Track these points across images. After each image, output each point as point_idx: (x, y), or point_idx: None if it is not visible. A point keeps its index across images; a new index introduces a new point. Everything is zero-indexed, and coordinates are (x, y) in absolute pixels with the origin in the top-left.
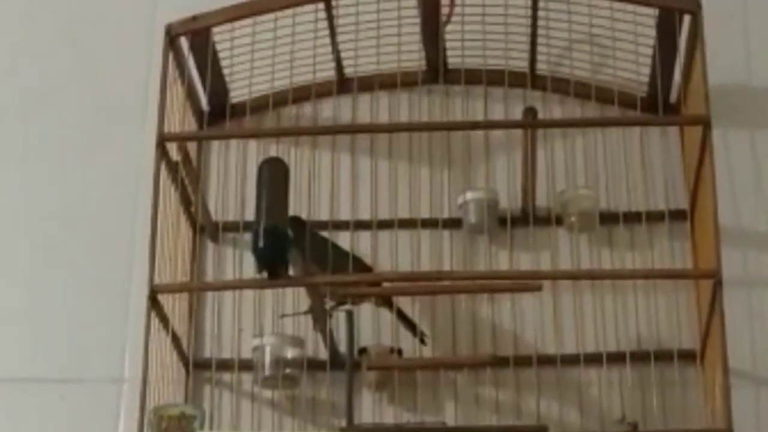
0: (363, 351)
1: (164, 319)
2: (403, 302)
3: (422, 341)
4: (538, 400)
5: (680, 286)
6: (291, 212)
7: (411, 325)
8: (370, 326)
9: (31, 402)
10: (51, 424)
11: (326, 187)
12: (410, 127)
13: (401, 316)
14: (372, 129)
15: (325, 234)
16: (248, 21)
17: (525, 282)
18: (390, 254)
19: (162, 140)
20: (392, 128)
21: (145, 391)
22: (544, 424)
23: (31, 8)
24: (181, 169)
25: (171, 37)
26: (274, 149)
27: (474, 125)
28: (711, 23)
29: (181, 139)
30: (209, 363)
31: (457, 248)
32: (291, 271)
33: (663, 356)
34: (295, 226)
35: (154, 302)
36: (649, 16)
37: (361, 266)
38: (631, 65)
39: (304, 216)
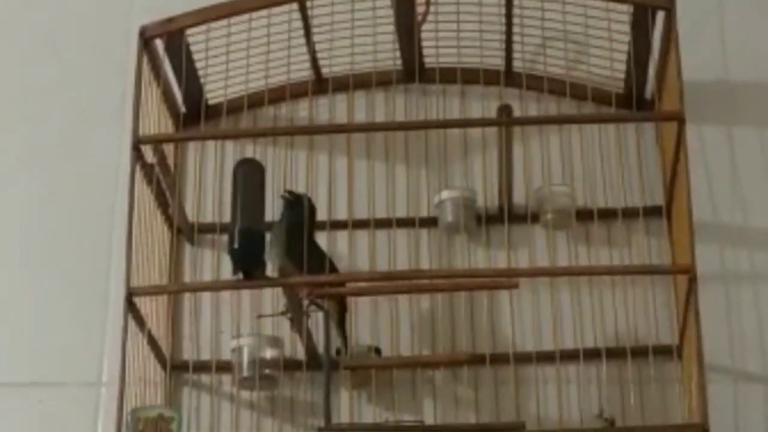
0: (341, 350)
1: (142, 322)
2: (382, 301)
3: (337, 352)
4: (517, 397)
5: (657, 282)
6: (268, 213)
7: (343, 336)
8: (348, 326)
9: (8, 406)
10: (29, 428)
11: (303, 187)
12: (386, 127)
13: (341, 322)
14: (348, 129)
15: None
16: (223, 22)
17: (502, 279)
18: (367, 254)
19: (137, 142)
20: (368, 128)
21: (123, 394)
22: (522, 421)
23: (8, 13)
24: (157, 171)
25: (145, 39)
26: (250, 150)
27: (449, 124)
28: (685, 19)
29: (157, 141)
30: (188, 365)
31: (434, 247)
32: (269, 270)
33: (640, 352)
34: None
35: (131, 305)
36: (623, 12)
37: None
38: (606, 62)
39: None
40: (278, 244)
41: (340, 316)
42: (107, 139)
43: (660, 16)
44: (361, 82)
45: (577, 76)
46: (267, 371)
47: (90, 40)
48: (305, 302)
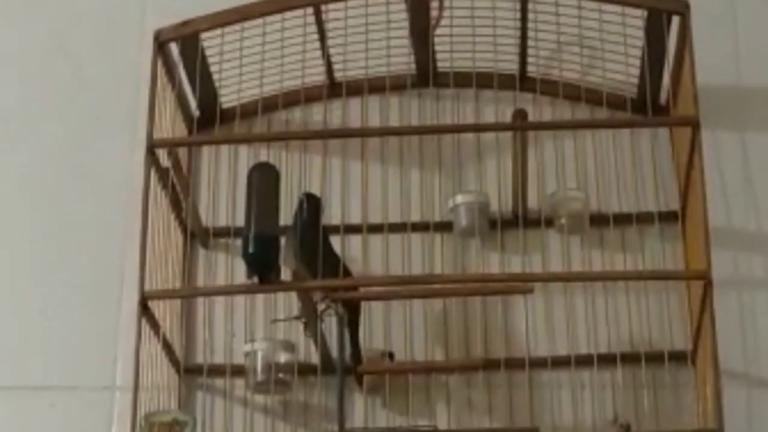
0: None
1: (155, 326)
2: (395, 305)
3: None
4: (531, 403)
5: (671, 288)
6: (282, 217)
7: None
8: (362, 330)
9: (22, 410)
10: None
11: (316, 191)
12: (400, 131)
13: (354, 330)
14: (362, 133)
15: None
16: (237, 26)
17: (516, 284)
18: (381, 258)
19: (151, 146)
20: (382, 132)
21: (136, 398)
22: (536, 426)
23: (21, 16)
24: (171, 175)
25: (160, 43)
26: (264, 154)
27: (464, 128)
28: (700, 24)
29: (171, 144)
30: (201, 369)
31: (448, 251)
32: (283, 270)
33: (655, 357)
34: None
35: (144, 309)
36: (637, 17)
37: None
38: (620, 67)
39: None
40: (292, 248)
41: (350, 320)
42: (120, 143)
43: (674, 20)
44: (375, 86)
45: (592, 81)
46: (281, 375)
47: (102, 43)
48: (320, 306)
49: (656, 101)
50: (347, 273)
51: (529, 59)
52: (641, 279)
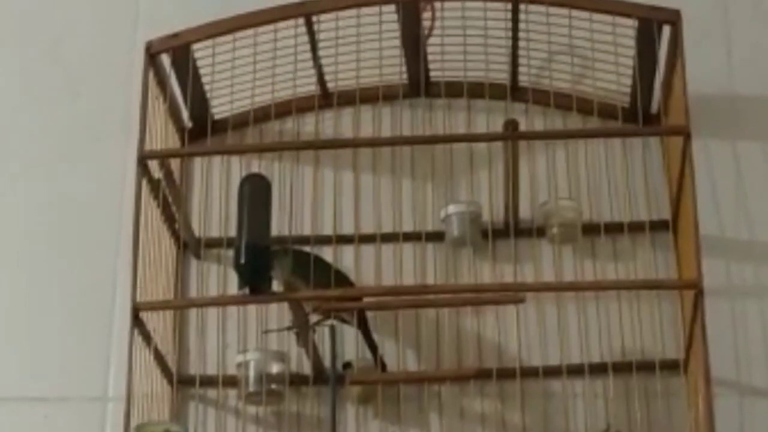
0: (347, 365)
1: (147, 337)
2: (387, 316)
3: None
4: (523, 412)
5: (663, 297)
6: (274, 227)
7: (373, 347)
8: (354, 340)
9: (14, 421)
10: None
11: (309, 201)
12: (392, 141)
13: (366, 334)
14: (354, 143)
15: (308, 249)
16: (228, 37)
17: (508, 294)
18: (373, 268)
19: (143, 158)
20: (374, 142)
21: (129, 409)
22: None
23: (14, 26)
24: (163, 186)
25: (151, 54)
26: (256, 165)
27: (456, 138)
28: (691, 33)
29: (162, 156)
30: (194, 379)
31: (440, 261)
32: (275, 284)
33: (647, 366)
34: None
35: (136, 320)
36: (628, 27)
37: (343, 281)
38: (611, 76)
39: (286, 231)
40: (285, 258)
41: (363, 328)
42: (114, 155)
43: (666, 30)
44: (367, 96)
45: (583, 91)
46: (273, 386)
47: (96, 56)
48: (312, 317)
49: (648, 110)
50: (349, 283)
51: (521, 69)
52: (633, 288)
